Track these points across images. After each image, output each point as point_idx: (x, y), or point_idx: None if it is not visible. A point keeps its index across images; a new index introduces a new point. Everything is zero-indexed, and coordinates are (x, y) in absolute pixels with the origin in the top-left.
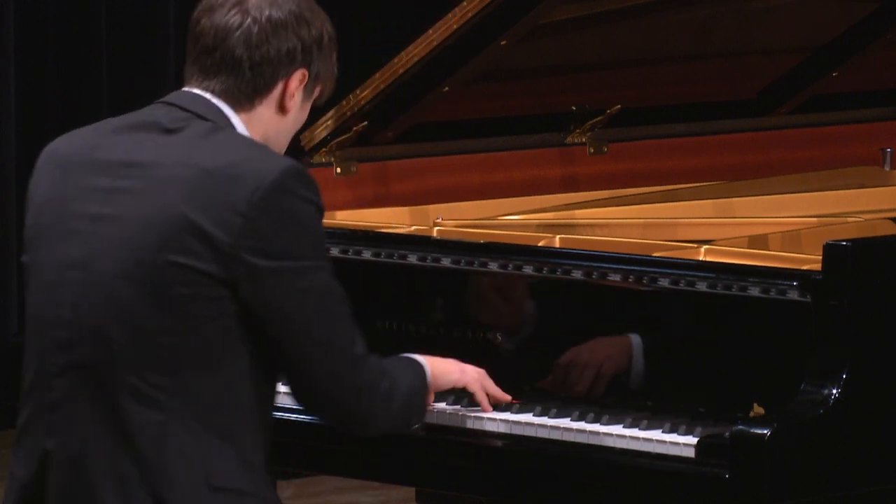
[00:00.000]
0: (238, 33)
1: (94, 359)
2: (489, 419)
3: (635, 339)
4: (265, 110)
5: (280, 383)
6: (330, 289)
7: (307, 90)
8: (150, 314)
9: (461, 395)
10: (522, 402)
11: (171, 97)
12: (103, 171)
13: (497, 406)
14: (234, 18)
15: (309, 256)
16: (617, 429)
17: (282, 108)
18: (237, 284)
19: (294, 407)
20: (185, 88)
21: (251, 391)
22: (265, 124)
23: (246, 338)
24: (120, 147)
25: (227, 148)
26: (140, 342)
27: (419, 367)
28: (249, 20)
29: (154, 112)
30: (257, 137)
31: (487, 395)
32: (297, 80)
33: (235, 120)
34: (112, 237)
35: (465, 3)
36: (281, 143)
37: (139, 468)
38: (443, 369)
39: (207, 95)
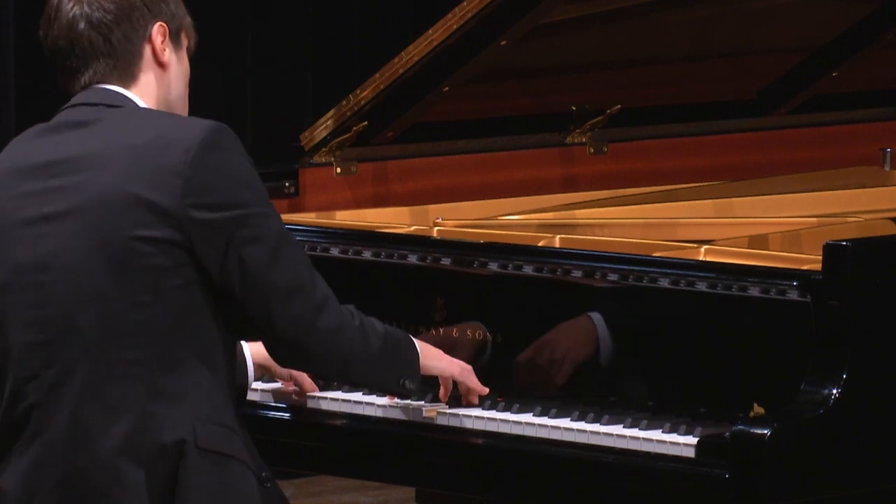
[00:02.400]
0: (80, 22)
1: (67, 351)
2: (489, 419)
3: (597, 318)
4: (148, 75)
5: (261, 382)
6: (282, 235)
7: (174, 40)
8: (118, 293)
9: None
10: (523, 402)
11: (75, 99)
12: (32, 175)
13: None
14: (68, 14)
15: (254, 204)
16: (617, 429)
17: (160, 65)
18: (192, 245)
19: (295, 406)
20: (86, 89)
21: (222, 356)
22: (155, 87)
23: (212, 303)
24: (44, 150)
25: (149, 123)
26: (112, 323)
27: (404, 333)
28: (79, 6)
29: (67, 115)
30: (156, 103)
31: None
32: (158, 34)
33: (134, 98)
34: (63, 231)
35: (464, 3)
36: (179, 99)
37: (129, 441)
38: (433, 353)
39: (105, 86)
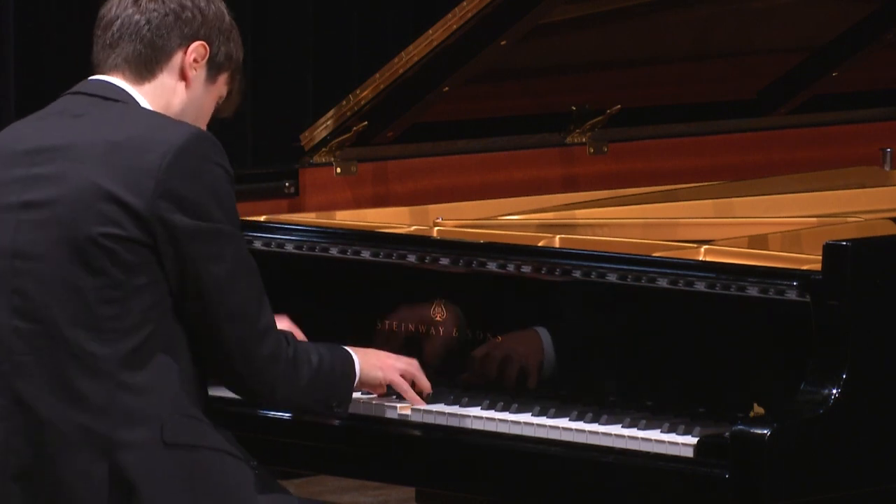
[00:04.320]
0: (135, 4)
1: (39, 340)
2: (488, 419)
3: (544, 333)
4: (167, 79)
5: None
6: (242, 258)
7: (210, 70)
8: (88, 287)
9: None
10: (521, 401)
11: (77, 87)
12: (19, 161)
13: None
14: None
15: (222, 220)
16: (616, 428)
17: (184, 77)
18: (158, 247)
19: None
20: (91, 77)
21: (189, 351)
22: (168, 93)
23: (176, 303)
24: (31, 136)
25: (135, 121)
26: (81, 317)
27: (346, 354)
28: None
29: (63, 103)
30: (161, 107)
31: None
32: (195, 51)
33: (138, 96)
34: (39, 221)
35: (464, 3)
36: (187, 119)
37: (94, 434)
38: (370, 364)
39: (110, 78)
